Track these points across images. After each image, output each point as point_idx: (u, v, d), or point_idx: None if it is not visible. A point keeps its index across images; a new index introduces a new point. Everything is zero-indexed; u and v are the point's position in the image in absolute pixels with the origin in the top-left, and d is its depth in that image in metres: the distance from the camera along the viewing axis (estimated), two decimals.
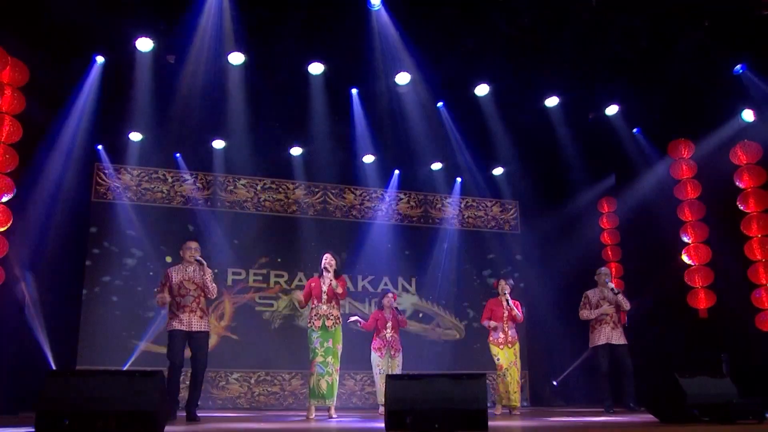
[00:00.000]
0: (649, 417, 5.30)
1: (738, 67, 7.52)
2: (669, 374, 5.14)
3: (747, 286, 8.38)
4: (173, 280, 6.20)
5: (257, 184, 10.73)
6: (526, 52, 7.60)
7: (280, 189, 10.86)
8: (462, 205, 11.98)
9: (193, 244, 6.32)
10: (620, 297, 7.51)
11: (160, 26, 7.45)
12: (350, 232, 11.07)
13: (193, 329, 6.13)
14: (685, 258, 9.18)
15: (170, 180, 10.21)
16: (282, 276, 10.47)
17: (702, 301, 9.02)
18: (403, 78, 8.35)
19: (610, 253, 11.31)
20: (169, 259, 9.67)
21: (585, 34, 6.75)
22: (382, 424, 4.55)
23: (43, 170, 8.40)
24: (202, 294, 6.23)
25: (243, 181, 10.63)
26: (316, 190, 11.09)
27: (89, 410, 3.81)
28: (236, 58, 7.79)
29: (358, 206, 11.35)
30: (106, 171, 9.87)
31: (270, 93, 8.37)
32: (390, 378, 4.54)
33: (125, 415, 3.83)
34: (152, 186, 10.10)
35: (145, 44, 7.37)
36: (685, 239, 9.23)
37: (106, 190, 9.85)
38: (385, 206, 11.46)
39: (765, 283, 8.23)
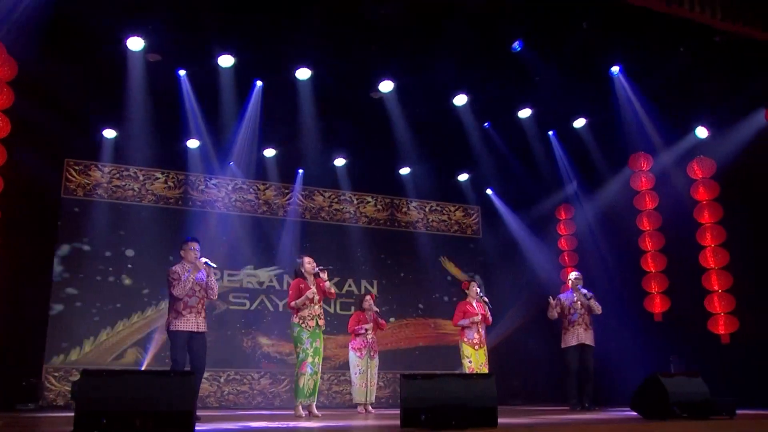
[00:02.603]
0: (632, 414, 5.69)
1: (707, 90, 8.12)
2: (652, 375, 5.55)
3: (700, 292, 8.99)
4: (182, 278, 6.20)
5: (228, 184, 10.76)
6: (506, 66, 7.95)
7: (251, 189, 10.92)
8: (426, 209, 12.30)
9: (195, 245, 6.32)
10: (592, 302, 7.87)
11: (149, 26, 7.46)
12: (318, 234, 11.22)
13: (198, 330, 6.17)
14: (643, 264, 9.76)
15: (141, 178, 10.13)
16: (254, 276, 10.55)
17: (657, 305, 9.61)
18: (386, 86, 8.58)
19: (566, 258, 11.82)
20: (130, 253, 9.75)
21: (568, 52, 7.13)
22: (397, 422, 4.75)
23: (15, 164, 8.24)
24: (205, 295, 6.28)
25: (214, 181, 10.64)
26: (286, 191, 11.20)
27: (126, 410, 3.87)
28: (226, 61, 7.85)
29: (327, 208, 11.52)
30: (77, 167, 9.73)
31: (259, 96, 8.43)
32: (405, 378, 4.73)
33: (161, 414, 3.91)
34: (123, 183, 10.01)
35: (136, 43, 7.34)
36: (643, 247, 9.81)
37: (77, 187, 9.71)
38: (352, 209, 11.67)
39: (717, 289, 8.85)
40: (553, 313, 8.01)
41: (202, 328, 6.23)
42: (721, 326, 8.79)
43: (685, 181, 9.30)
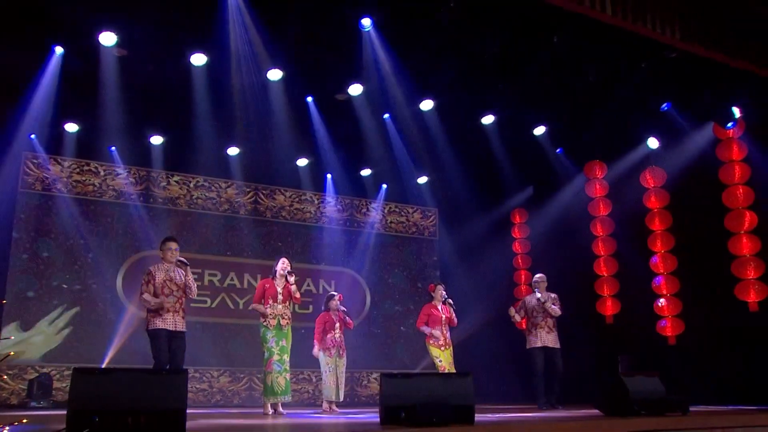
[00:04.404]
0: (594, 412, 5.99)
1: (664, 105, 8.53)
2: (615, 375, 5.86)
3: (650, 296, 9.44)
4: (156, 279, 6.19)
5: (190, 182, 10.70)
6: (474, 73, 8.17)
7: (213, 187, 10.88)
8: (385, 211, 12.48)
9: (174, 245, 6.30)
10: (547, 305, 8.07)
11: (120, 20, 7.39)
12: (278, 233, 11.29)
13: (176, 329, 6.14)
14: (595, 269, 10.17)
15: (103, 173, 10.00)
16: (215, 275, 10.53)
17: (609, 308, 10.04)
18: (355, 89, 8.71)
19: (520, 261, 12.18)
20: (88, 249, 9.62)
21: (537, 64, 7.42)
22: (377, 419, 4.90)
23: None
24: (183, 295, 6.29)
25: (176, 178, 10.57)
26: (248, 189, 11.20)
27: (119, 408, 3.91)
28: (198, 59, 7.84)
29: (288, 207, 11.57)
30: (36, 161, 9.54)
31: (224, 95, 8.43)
32: (385, 376, 4.89)
33: (154, 412, 3.96)
34: (84, 178, 9.86)
35: (108, 38, 7.27)
36: (596, 252, 10.22)
37: (35, 181, 9.52)
38: (313, 209, 11.76)
39: (666, 293, 9.31)
40: (516, 319, 8.30)
41: (181, 327, 6.22)
42: (669, 328, 9.25)
43: (638, 190, 9.73)
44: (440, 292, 8.08)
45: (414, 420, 4.65)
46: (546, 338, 8.03)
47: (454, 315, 8.04)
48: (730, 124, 8.68)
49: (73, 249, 9.56)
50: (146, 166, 10.23)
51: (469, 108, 9.35)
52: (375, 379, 11.49)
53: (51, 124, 9.21)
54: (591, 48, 7.13)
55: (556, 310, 8.10)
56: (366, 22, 7.04)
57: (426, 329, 7.91)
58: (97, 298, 9.60)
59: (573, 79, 7.78)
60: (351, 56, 7.92)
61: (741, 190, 8.60)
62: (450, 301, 8.03)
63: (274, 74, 8.24)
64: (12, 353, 8.29)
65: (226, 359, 10.34)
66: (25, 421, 4.29)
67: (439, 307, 8.04)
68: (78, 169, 9.83)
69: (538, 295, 8.20)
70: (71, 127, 9.33)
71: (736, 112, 8.68)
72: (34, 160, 9.54)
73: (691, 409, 5.95)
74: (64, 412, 3.84)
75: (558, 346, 8.05)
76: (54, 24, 7.14)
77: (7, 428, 3.01)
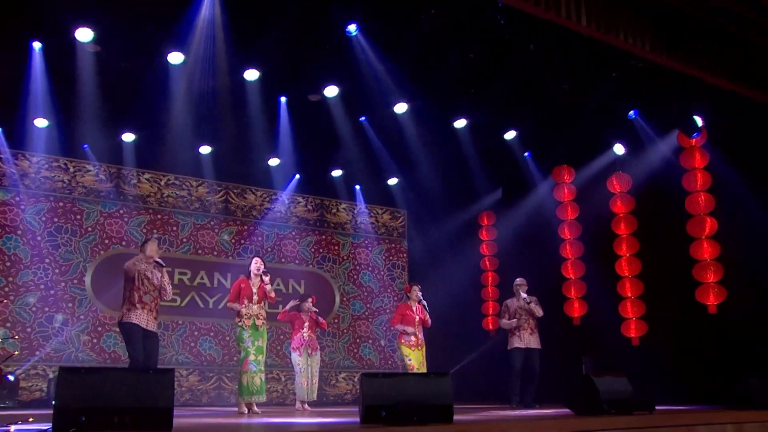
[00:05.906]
0: (565, 411, 6.16)
1: (631, 112, 8.80)
2: (584, 374, 6.04)
3: (615, 298, 9.70)
4: (132, 270, 6.16)
5: (161, 180, 10.62)
6: (448, 78, 8.31)
7: (184, 186, 10.82)
8: (355, 211, 12.56)
9: (152, 245, 6.31)
10: (532, 305, 8.31)
11: (96, 16, 7.32)
12: (250, 232, 11.28)
13: (149, 328, 6.13)
14: (563, 271, 10.40)
15: (72, 170, 9.86)
16: (185, 274, 10.48)
17: (576, 310, 10.28)
18: (331, 91, 8.78)
19: (487, 262, 12.36)
20: (56, 247, 9.48)
21: (511, 70, 7.59)
22: (353, 417, 4.98)
23: None
24: (159, 296, 6.27)
25: (147, 176, 10.49)
26: (219, 188, 11.17)
27: (105, 407, 3.92)
28: (175, 58, 7.80)
29: (259, 207, 11.56)
30: (3, 156, 9.37)
31: (199, 94, 8.41)
32: (365, 376, 4.96)
33: (141, 411, 3.97)
34: (52, 175, 9.72)
35: (85, 34, 7.19)
36: (564, 255, 10.46)
37: (1, 176, 9.35)
38: (283, 208, 11.77)
39: (630, 295, 9.59)
40: (512, 325, 8.33)
41: (153, 327, 6.20)
42: (633, 330, 9.52)
43: (605, 195, 9.98)
44: (416, 292, 8.18)
45: (394, 419, 4.74)
46: (529, 339, 8.26)
47: (427, 316, 8.14)
48: (693, 133, 8.96)
49: (40, 246, 9.42)
50: (117, 163, 10.12)
51: (442, 112, 9.49)
52: (343, 378, 11.57)
53: (19, 119, 9.07)
54: (564, 56, 7.32)
55: (539, 310, 8.34)
56: (352, 27, 7.09)
57: (399, 327, 7.98)
58: (65, 296, 9.47)
59: (545, 86, 7.95)
60: (327, 58, 8.00)
61: (703, 197, 8.88)
62: (424, 302, 8.13)
63: (251, 74, 8.25)
64: (16, 352, 8.15)
65: (195, 358, 10.30)
66: (31, 420, 4.26)
67: (414, 308, 8.14)
68: (47, 165, 9.69)
69: (524, 296, 8.38)
70: (40, 123, 9.17)
71: (700, 121, 8.97)
72: (1, 156, 9.37)
73: (656, 408, 6.16)
74: (32, 411, 3.84)
75: (539, 347, 8.29)
76: (29, 19, 7.04)
77: (13, 428, 3.01)
